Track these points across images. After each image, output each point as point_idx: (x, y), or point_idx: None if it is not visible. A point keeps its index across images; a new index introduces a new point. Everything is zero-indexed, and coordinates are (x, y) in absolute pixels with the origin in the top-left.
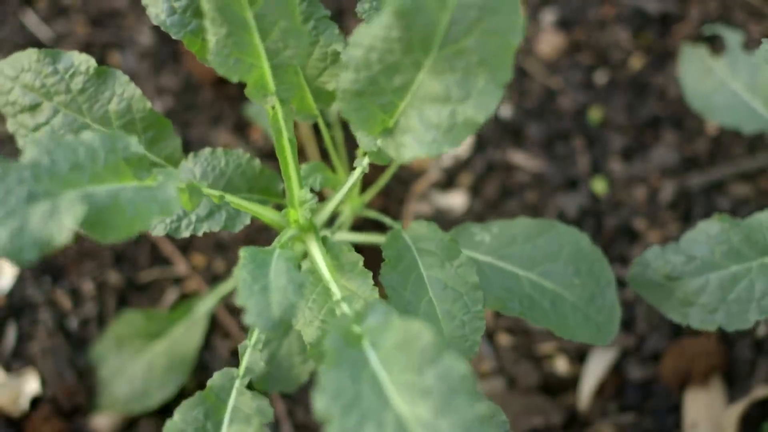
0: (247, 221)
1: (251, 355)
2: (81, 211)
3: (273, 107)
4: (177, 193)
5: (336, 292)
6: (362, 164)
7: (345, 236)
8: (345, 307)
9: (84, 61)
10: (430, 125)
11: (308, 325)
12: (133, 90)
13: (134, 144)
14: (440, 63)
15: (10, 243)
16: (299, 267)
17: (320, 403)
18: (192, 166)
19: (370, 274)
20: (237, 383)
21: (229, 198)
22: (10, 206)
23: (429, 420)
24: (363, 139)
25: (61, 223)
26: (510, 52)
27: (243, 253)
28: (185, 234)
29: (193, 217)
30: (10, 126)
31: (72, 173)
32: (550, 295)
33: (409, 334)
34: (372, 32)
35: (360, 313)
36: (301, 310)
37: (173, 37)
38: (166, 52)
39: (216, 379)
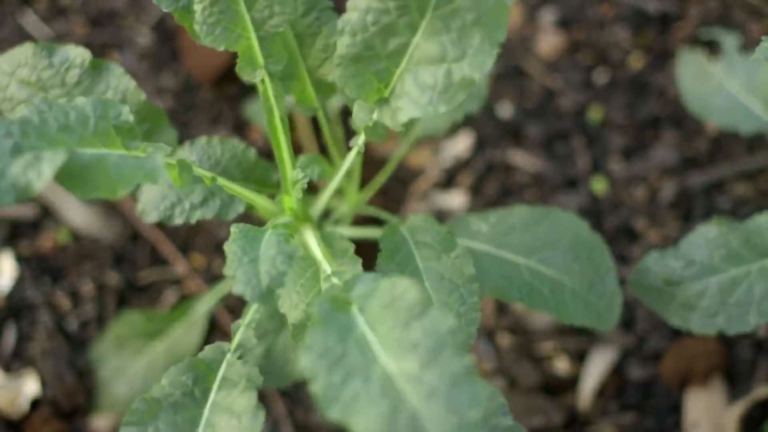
0: (241, 209)
1: (244, 332)
2: (61, 160)
3: (262, 81)
4: (164, 164)
5: (327, 268)
6: (358, 143)
7: (341, 230)
8: (335, 279)
9: (79, 55)
10: (426, 87)
11: (294, 308)
12: (128, 82)
13: (125, 112)
14: (435, 23)
15: None
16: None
17: (306, 361)
18: (187, 154)
19: (360, 260)
20: (228, 356)
21: (222, 181)
22: None
23: (416, 373)
24: (359, 113)
25: (40, 170)
26: (505, 12)
27: (234, 229)
28: (179, 221)
29: (187, 205)
30: None
31: (60, 134)
32: (549, 282)
33: (395, 293)
34: None
35: (349, 283)
36: (289, 294)
37: (164, 11)
38: (166, 52)
39: (207, 351)
